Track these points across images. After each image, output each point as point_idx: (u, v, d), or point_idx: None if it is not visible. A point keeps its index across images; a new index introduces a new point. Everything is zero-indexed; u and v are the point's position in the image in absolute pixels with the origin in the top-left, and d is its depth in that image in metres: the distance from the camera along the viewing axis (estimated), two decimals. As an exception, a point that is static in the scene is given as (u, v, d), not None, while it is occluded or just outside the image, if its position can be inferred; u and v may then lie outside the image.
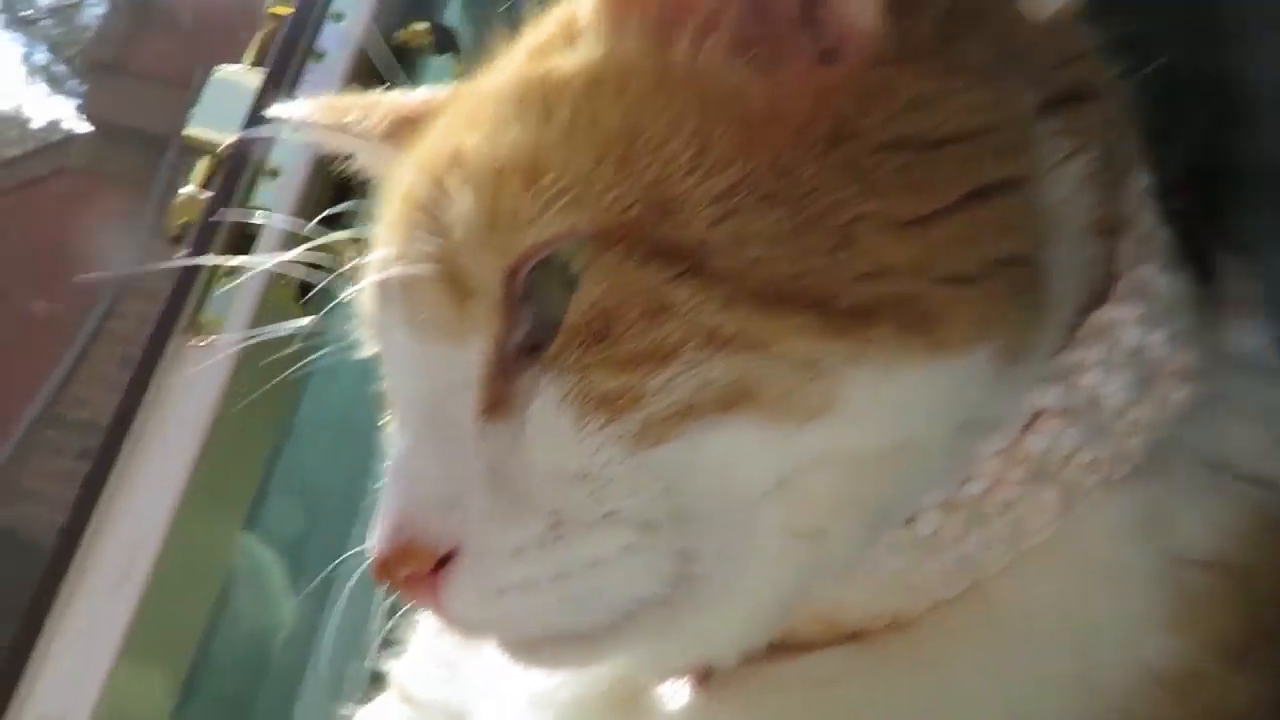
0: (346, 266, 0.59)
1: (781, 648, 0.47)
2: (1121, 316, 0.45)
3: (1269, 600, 0.45)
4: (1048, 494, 0.44)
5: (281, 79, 0.87)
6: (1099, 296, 0.46)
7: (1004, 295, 0.41)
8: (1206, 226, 0.51)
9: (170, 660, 0.87)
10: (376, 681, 0.69)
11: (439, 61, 0.90)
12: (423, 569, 0.43)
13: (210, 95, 0.89)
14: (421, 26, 0.88)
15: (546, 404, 0.42)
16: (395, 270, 0.45)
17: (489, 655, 0.51)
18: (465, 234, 0.43)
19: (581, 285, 0.41)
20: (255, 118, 0.85)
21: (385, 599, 0.56)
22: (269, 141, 0.83)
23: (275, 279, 0.81)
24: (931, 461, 0.43)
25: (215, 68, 0.87)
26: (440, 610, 0.44)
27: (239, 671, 0.96)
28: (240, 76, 0.87)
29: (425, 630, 0.62)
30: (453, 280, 0.44)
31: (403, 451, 0.45)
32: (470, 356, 0.44)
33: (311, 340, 0.84)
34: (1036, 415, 0.44)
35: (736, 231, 0.40)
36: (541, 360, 0.42)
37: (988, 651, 0.45)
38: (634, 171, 0.41)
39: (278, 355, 0.85)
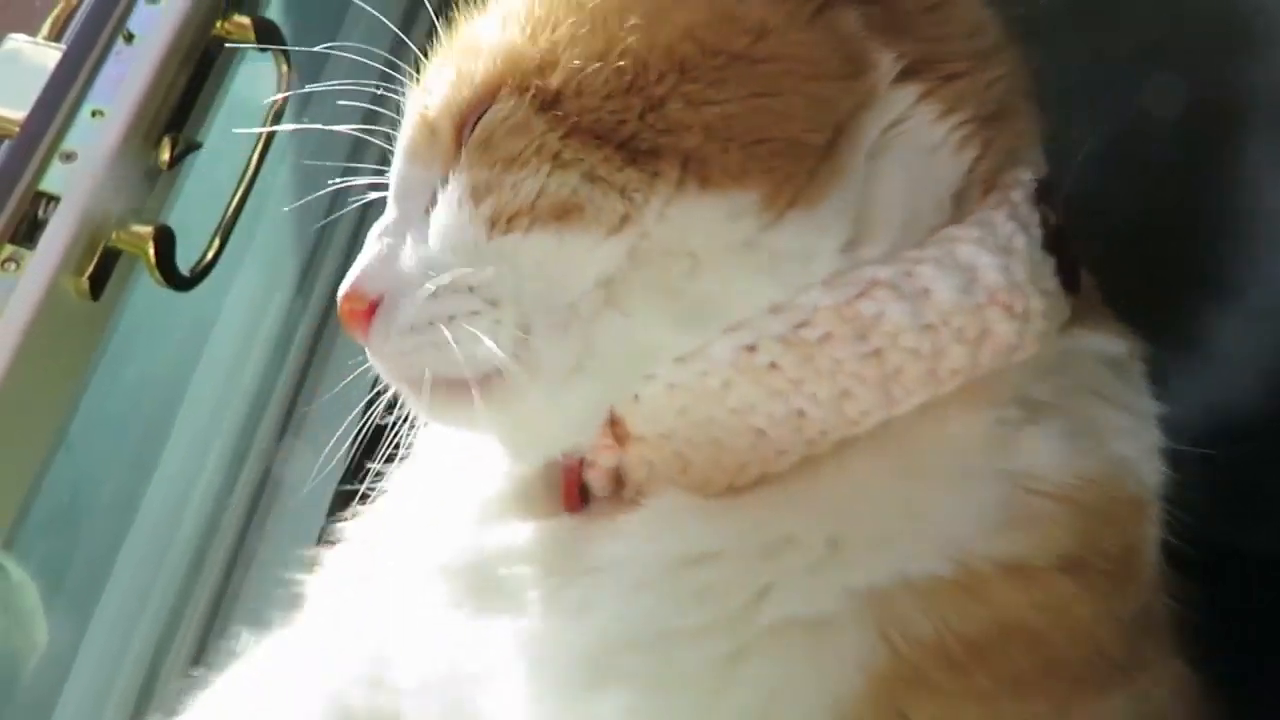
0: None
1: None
2: (960, 234, 0.53)
3: (1105, 550, 0.52)
4: (871, 367, 0.52)
5: (85, 58, 0.73)
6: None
7: (776, 163, 0.51)
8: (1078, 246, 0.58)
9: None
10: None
11: (260, 55, 0.87)
12: (360, 308, 0.57)
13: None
14: (243, 19, 0.81)
15: (448, 196, 0.56)
16: (404, 123, 0.60)
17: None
18: (440, 97, 0.58)
19: (485, 114, 0.55)
20: (49, 96, 0.80)
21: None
22: (66, 123, 0.78)
23: (63, 273, 0.75)
24: (730, 273, 0.52)
25: (3, 36, 0.81)
26: (367, 341, 0.57)
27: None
28: (32, 50, 0.80)
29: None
30: (429, 127, 0.58)
31: (378, 225, 0.59)
32: (432, 176, 0.58)
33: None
34: (871, 285, 0.52)
35: (582, 87, 0.53)
36: (456, 165, 0.55)
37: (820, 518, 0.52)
38: (539, 43, 0.55)
39: (57, 353, 0.80)
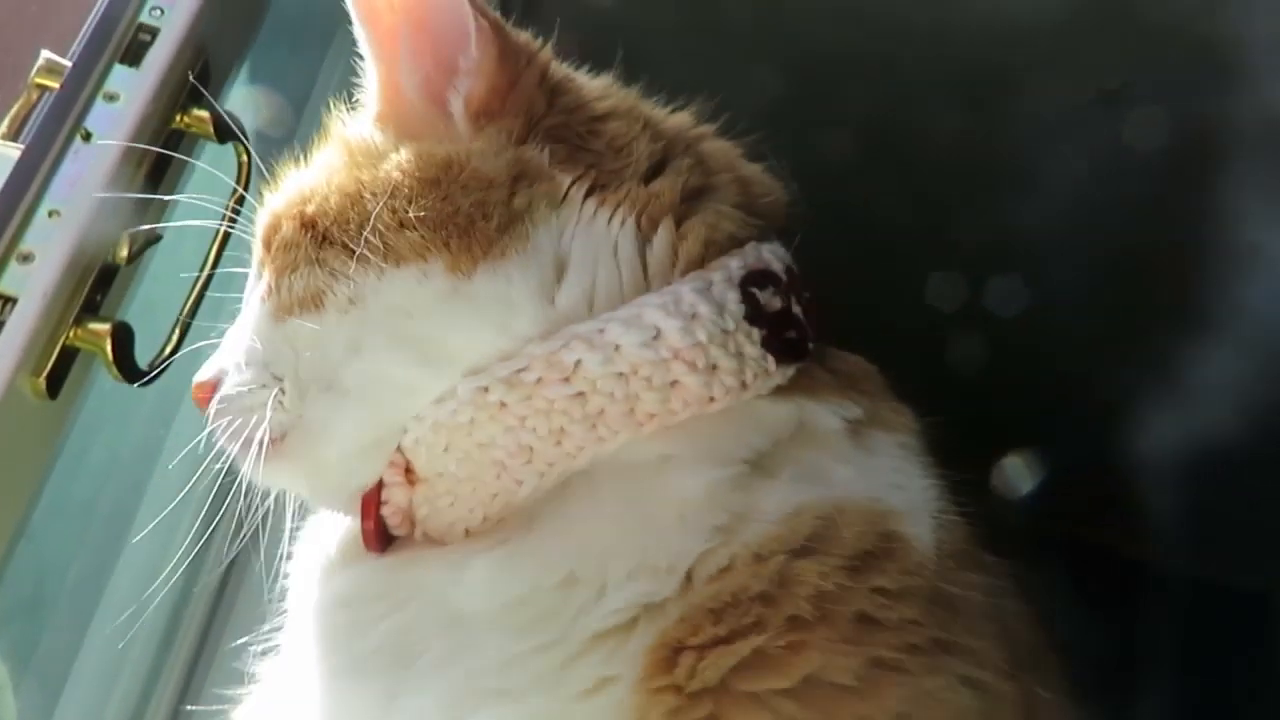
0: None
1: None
2: (649, 301, 0.66)
3: (835, 540, 0.63)
4: (577, 407, 0.65)
5: (43, 158, 0.76)
6: None
7: (452, 241, 0.67)
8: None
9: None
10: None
11: (220, 149, 0.83)
12: (202, 394, 0.72)
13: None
14: (202, 113, 0.81)
15: (255, 296, 0.72)
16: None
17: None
18: (259, 224, 0.74)
19: (276, 236, 0.71)
20: (7, 196, 0.80)
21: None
22: (23, 224, 0.78)
23: (19, 374, 0.75)
24: (440, 317, 0.67)
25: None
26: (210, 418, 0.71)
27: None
28: (-12, 148, 0.79)
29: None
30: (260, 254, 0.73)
31: (233, 327, 0.74)
32: (259, 284, 0.72)
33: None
34: (572, 338, 0.65)
35: (326, 210, 0.70)
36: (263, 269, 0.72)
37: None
38: (309, 183, 0.72)
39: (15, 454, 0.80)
